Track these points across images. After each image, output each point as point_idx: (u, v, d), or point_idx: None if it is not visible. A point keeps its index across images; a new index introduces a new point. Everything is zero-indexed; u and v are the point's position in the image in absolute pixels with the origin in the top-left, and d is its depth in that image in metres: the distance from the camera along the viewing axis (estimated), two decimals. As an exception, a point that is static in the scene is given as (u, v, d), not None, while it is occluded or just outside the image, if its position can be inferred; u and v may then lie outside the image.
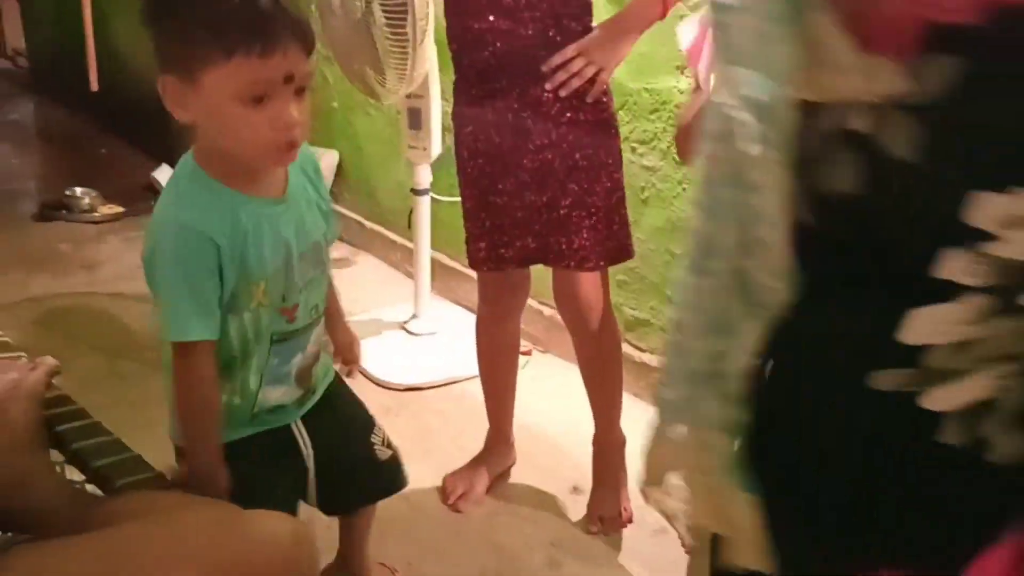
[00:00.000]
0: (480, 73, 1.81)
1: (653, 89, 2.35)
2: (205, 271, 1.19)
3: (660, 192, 2.41)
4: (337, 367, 1.54)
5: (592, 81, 1.74)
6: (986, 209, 0.67)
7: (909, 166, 0.68)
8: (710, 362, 0.76)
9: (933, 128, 0.67)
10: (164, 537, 0.90)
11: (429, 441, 2.37)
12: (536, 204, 1.83)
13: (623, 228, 1.89)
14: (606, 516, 2.03)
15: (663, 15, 1.72)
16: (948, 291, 0.70)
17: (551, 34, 1.74)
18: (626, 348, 2.59)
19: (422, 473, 2.18)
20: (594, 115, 1.79)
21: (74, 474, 1.12)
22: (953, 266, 0.70)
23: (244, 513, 1.00)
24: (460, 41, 1.83)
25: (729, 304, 0.74)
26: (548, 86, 1.74)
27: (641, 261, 2.44)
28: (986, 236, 0.68)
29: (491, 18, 1.73)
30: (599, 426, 2.07)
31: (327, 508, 1.56)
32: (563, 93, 1.74)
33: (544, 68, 1.73)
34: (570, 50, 1.71)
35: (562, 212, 1.82)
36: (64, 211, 3.80)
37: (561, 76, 1.72)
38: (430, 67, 2.47)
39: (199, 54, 1.11)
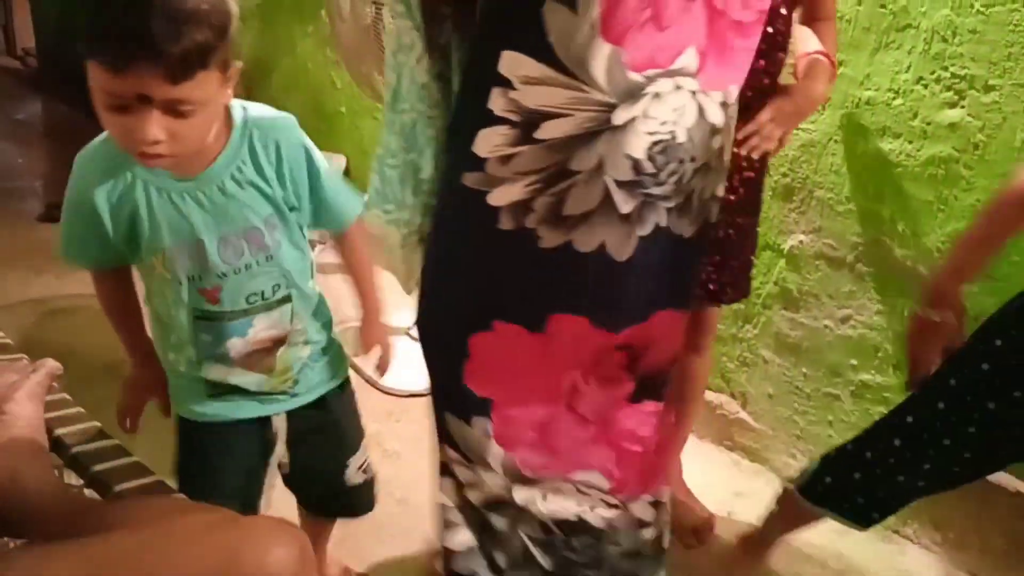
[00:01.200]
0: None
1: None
2: (87, 224, 1.24)
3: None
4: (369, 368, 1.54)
5: (781, 142, 1.74)
6: (506, 65, 1.24)
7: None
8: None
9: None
10: (159, 543, 0.89)
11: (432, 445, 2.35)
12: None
13: (750, 268, 1.93)
14: (697, 525, 2.08)
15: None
16: (493, 119, 1.27)
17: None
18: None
19: (424, 477, 2.17)
20: (758, 168, 1.81)
21: (72, 478, 1.12)
22: (495, 102, 1.26)
23: (240, 519, 0.98)
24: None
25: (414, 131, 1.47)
26: (743, 151, 1.72)
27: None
28: (510, 83, 1.25)
29: None
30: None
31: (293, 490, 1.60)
32: (755, 156, 1.74)
33: (739, 136, 1.69)
34: (764, 115, 1.70)
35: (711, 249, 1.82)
36: (69, 211, 3.79)
37: (755, 141, 1.70)
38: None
39: (82, 45, 1.08)
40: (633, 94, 1.25)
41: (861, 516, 1.59)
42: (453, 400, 1.44)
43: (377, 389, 2.60)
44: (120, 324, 1.40)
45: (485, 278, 1.37)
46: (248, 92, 4.19)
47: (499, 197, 1.30)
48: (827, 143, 2.04)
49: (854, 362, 2.09)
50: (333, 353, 1.49)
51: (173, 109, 1.09)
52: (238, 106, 1.27)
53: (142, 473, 1.07)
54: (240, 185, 1.26)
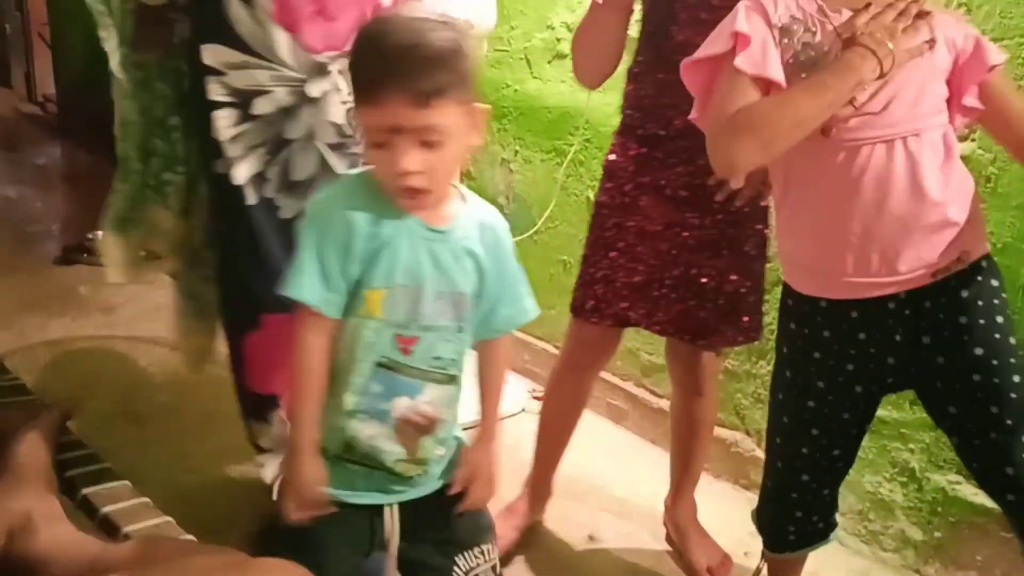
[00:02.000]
0: (647, 141, 1.81)
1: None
2: (333, 244, 1.24)
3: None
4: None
5: (762, 189, 1.73)
6: (210, 57, 1.58)
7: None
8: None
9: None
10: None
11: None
12: (663, 275, 1.83)
13: (752, 314, 1.89)
14: (713, 565, 2.05)
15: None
16: (217, 104, 1.62)
17: None
18: (642, 393, 2.57)
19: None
20: (749, 206, 1.78)
21: (82, 519, 1.12)
22: (211, 88, 1.58)
23: (251, 561, 0.98)
24: (637, 108, 1.83)
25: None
26: (719, 197, 1.73)
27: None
28: (218, 71, 1.59)
29: (674, 99, 1.66)
30: (686, 493, 2.10)
31: None
32: (738, 203, 1.74)
33: (711, 181, 1.71)
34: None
35: (692, 288, 1.83)
36: (85, 254, 3.82)
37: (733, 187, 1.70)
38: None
39: (354, 87, 1.23)
40: (320, 71, 1.64)
41: (816, 533, 1.65)
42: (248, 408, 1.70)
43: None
44: (310, 388, 1.28)
45: (251, 269, 1.61)
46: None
47: (240, 174, 1.63)
48: (838, 178, 2.03)
49: (870, 397, 2.07)
50: (455, 453, 1.42)
51: (424, 140, 1.18)
52: (462, 188, 1.34)
53: (152, 515, 1.07)
54: (469, 252, 1.31)
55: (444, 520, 1.40)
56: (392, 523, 1.36)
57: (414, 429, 1.32)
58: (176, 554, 0.99)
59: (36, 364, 2.84)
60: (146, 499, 1.10)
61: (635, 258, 1.84)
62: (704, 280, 1.82)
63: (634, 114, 1.84)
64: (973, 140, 1.80)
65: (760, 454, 2.31)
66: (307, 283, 1.24)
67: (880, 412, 2.04)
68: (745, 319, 1.88)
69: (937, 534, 1.99)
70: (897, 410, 2.02)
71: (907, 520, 2.04)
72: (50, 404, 1.16)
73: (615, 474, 2.35)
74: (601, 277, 1.87)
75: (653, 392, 2.53)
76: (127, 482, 1.13)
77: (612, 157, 1.87)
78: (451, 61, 1.19)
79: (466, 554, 1.41)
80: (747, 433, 2.36)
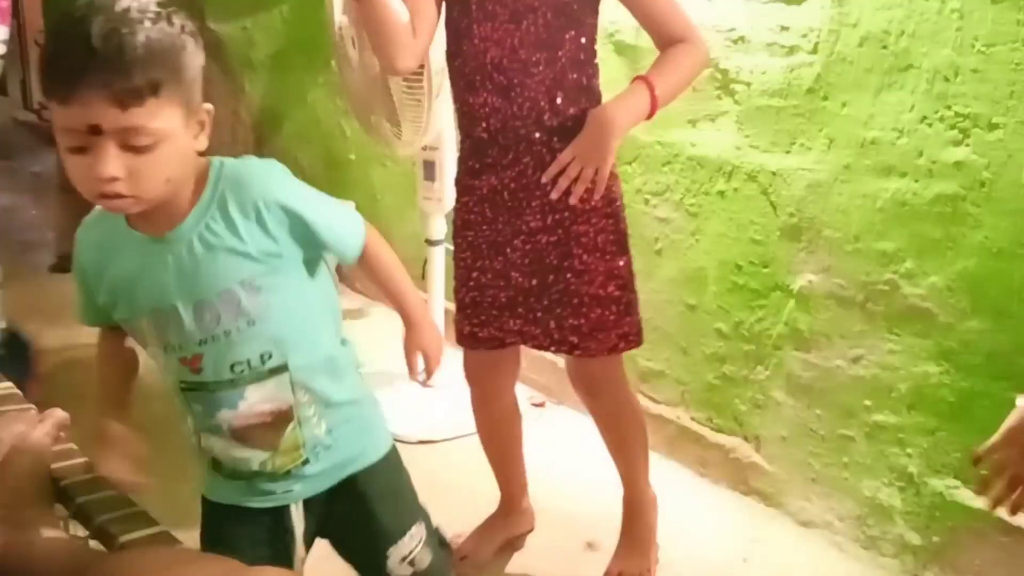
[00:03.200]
0: (476, 146, 1.79)
1: (665, 142, 2.36)
2: (80, 282, 1.27)
3: (673, 243, 2.40)
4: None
5: (594, 180, 1.68)
6: None
7: None
8: None
9: None
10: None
11: (441, 497, 2.31)
12: (524, 286, 1.80)
13: (624, 316, 1.81)
14: (626, 574, 1.99)
15: (651, 115, 1.69)
16: None
17: (546, 117, 1.70)
18: (641, 400, 2.56)
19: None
20: (596, 201, 1.73)
21: (78, 529, 1.11)
22: None
23: (249, 570, 0.97)
24: (460, 112, 1.82)
25: None
26: (553, 195, 1.70)
27: (655, 312, 2.42)
28: None
29: (484, 95, 1.71)
30: (626, 486, 2.03)
31: None
32: (572, 200, 1.70)
33: (544, 179, 1.70)
34: (565, 156, 1.66)
35: (553, 297, 1.78)
36: (81, 262, 3.81)
37: (563, 183, 1.67)
38: (445, 120, 2.49)
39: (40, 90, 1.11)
40: None
41: None
42: None
43: (387, 436, 2.59)
44: (99, 378, 1.37)
45: None
46: (259, 142, 4.25)
47: None
48: (833, 183, 2.04)
49: (868, 403, 2.07)
50: (361, 425, 1.35)
51: (128, 143, 1.06)
52: (216, 162, 1.21)
53: (148, 523, 1.06)
54: (209, 246, 1.18)
55: (365, 515, 1.36)
56: (297, 522, 1.33)
57: (262, 429, 1.26)
58: (172, 563, 0.99)
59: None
60: (142, 508, 1.09)
61: (496, 274, 1.81)
62: (563, 286, 1.77)
63: (460, 119, 1.82)
64: (967, 145, 1.80)
65: (758, 460, 2.32)
66: (79, 309, 1.31)
67: (877, 417, 2.05)
68: (624, 320, 1.81)
69: (935, 539, 1.99)
70: (894, 415, 2.02)
71: (906, 525, 2.04)
72: (45, 413, 1.15)
73: (613, 481, 2.35)
74: (470, 301, 1.85)
75: (651, 398, 2.53)
76: (122, 492, 1.13)
77: (456, 173, 1.87)
78: (164, 56, 1.06)
79: (398, 544, 1.38)
80: (745, 439, 2.36)
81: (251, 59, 4.03)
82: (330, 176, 3.71)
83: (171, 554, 1.01)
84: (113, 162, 1.05)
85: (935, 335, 1.93)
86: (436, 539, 1.44)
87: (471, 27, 1.70)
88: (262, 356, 1.23)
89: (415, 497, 1.44)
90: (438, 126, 2.49)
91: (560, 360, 2.63)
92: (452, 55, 1.78)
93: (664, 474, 2.14)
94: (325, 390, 1.29)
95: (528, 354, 2.76)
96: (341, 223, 1.31)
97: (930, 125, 1.85)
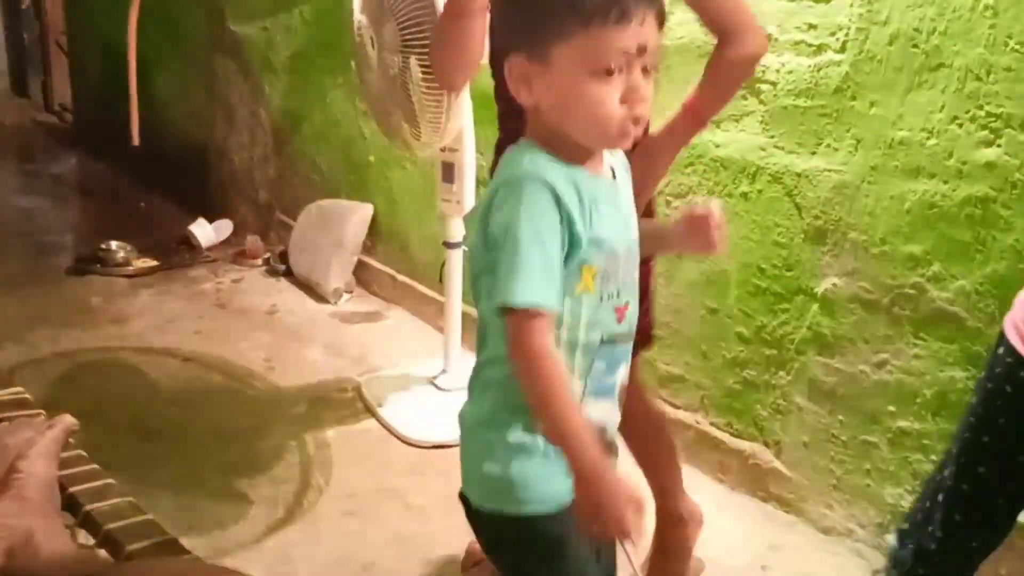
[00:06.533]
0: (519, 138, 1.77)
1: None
2: (554, 230, 1.07)
3: (695, 246, 2.37)
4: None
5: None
6: None
7: None
8: None
9: None
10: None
11: (456, 501, 2.31)
12: None
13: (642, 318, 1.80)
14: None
15: (703, 125, 1.65)
16: None
17: None
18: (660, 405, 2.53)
19: (448, 533, 2.12)
20: None
21: (86, 537, 1.09)
22: None
23: (257, 581, 0.95)
24: (505, 102, 1.80)
25: None
26: None
27: (675, 315, 2.38)
28: None
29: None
30: (657, 496, 1.92)
31: None
32: None
33: None
34: None
35: None
36: (98, 265, 3.82)
37: None
38: (465, 122, 2.47)
39: (553, 27, 1.06)
40: None
41: None
42: None
43: (400, 441, 2.56)
44: (560, 386, 1.07)
45: None
46: (279, 143, 4.24)
47: None
48: (860, 184, 2.00)
49: (892, 408, 2.03)
50: None
51: (647, 65, 1.08)
52: None
53: (156, 532, 1.04)
54: (624, 190, 1.20)
55: None
56: None
57: (623, 390, 1.23)
58: (182, 572, 0.97)
59: (47, 377, 2.84)
60: (150, 516, 1.07)
61: None
62: None
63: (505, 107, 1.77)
64: (999, 146, 1.76)
65: (779, 466, 2.27)
66: (541, 287, 1.05)
67: (901, 423, 2.01)
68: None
69: (963, 549, 1.94)
70: (919, 421, 1.98)
71: (932, 535, 1.99)
72: (54, 419, 1.14)
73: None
74: None
75: (671, 403, 2.49)
76: (131, 498, 1.11)
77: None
78: None
79: None
80: (765, 444, 2.32)
81: (271, 60, 4.02)
82: (349, 178, 3.70)
83: (179, 563, 1.00)
84: (645, 81, 1.08)
85: (961, 340, 1.88)
86: None
87: None
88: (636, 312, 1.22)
89: None
90: (457, 127, 2.47)
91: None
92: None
93: (686, 478, 2.10)
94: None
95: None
96: None
97: (961, 125, 1.81)
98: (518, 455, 1.14)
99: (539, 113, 1.13)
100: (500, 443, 1.15)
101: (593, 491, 1.04)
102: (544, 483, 1.14)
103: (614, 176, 1.19)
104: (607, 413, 1.20)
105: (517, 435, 1.14)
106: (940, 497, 1.44)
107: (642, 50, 1.06)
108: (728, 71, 1.61)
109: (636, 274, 1.20)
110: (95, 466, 1.15)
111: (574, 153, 1.12)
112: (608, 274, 1.13)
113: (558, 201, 1.07)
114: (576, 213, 1.08)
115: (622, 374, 1.21)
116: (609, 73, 1.06)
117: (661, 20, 1.09)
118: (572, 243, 1.08)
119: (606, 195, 1.14)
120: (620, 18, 1.04)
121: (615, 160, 1.21)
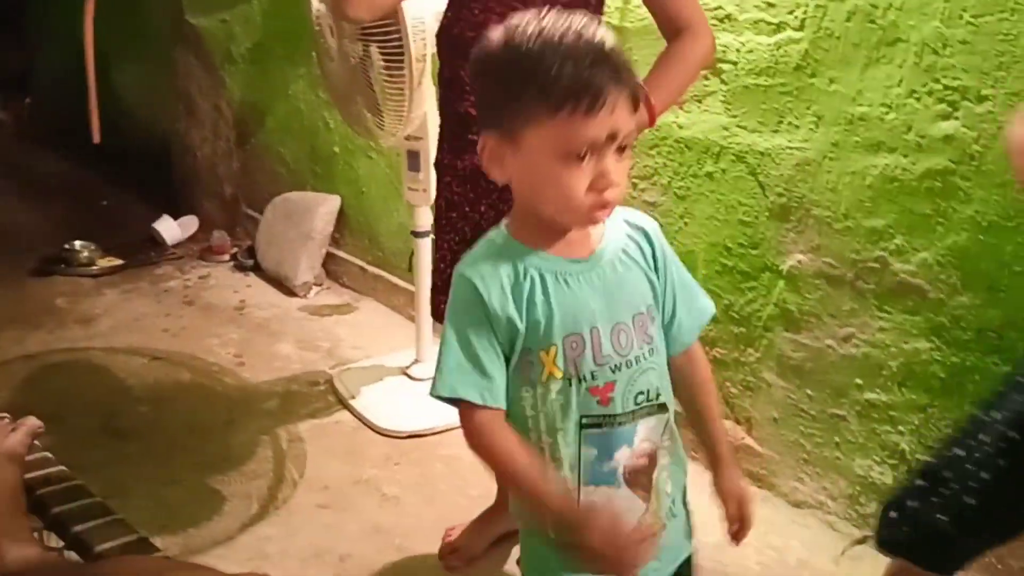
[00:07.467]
0: (460, 122, 1.75)
1: (651, 124, 2.33)
2: (479, 323, 1.11)
3: (662, 227, 2.36)
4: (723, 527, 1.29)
5: None
6: None
7: None
8: None
9: None
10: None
11: (433, 488, 2.31)
12: None
13: None
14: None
15: (651, 124, 1.63)
16: None
17: None
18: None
19: (425, 522, 2.13)
20: None
21: (54, 539, 1.08)
22: None
23: (231, 577, 0.95)
24: (446, 85, 1.78)
25: None
26: None
27: (645, 298, 2.39)
28: None
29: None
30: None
31: None
32: None
33: None
34: None
35: None
36: (62, 265, 3.77)
37: None
38: (428, 109, 2.45)
39: (524, 111, 1.06)
40: None
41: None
42: None
43: (374, 431, 2.56)
44: (518, 471, 1.11)
45: None
46: (241, 136, 4.20)
47: None
48: (822, 161, 2.01)
49: (859, 381, 2.05)
50: (686, 504, 1.28)
51: (623, 147, 1.07)
52: None
53: (125, 532, 1.03)
54: (628, 266, 1.17)
55: None
56: None
57: (643, 472, 1.19)
58: (150, 572, 0.96)
59: (13, 379, 2.80)
60: (120, 516, 1.06)
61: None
62: None
63: (445, 92, 1.79)
64: (956, 119, 1.78)
65: (750, 442, 2.30)
66: (457, 379, 1.10)
67: (869, 396, 2.04)
68: None
69: (932, 518, 1.97)
70: (886, 393, 2.00)
71: (901, 505, 2.02)
72: (17, 422, 1.12)
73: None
74: (445, 282, 1.82)
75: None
76: (99, 499, 1.10)
77: (436, 153, 1.88)
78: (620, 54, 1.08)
79: None
80: (736, 421, 2.34)
81: (231, 52, 3.97)
82: (315, 169, 3.67)
83: (149, 563, 0.99)
84: (617, 165, 1.07)
85: (925, 311, 1.90)
86: None
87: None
88: (656, 389, 1.18)
89: None
90: (421, 115, 2.46)
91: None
92: (450, 23, 1.74)
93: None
94: (677, 441, 1.24)
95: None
96: (702, 295, 1.26)
97: (919, 99, 1.83)
98: (528, 536, 1.23)
99: (512, 190, 1.14)
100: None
101: (582, 536, 1.05)
102: (546, 560, 1.18)
103: (595, 251, 1.16)
104: (615, 502, 1.15)
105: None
106: (986, 438, 1.31)
107: (612, 137, 1.06)
108: (678, 71, 1.64)
109: (632, 352, 1.15)
110: (63, 468, 1.14)
111: (547, 231, 1.13)
112: (572, 357, 1.12)
113: (479, 295, 1.10)
114: (502, 304, 1.10)
115: (626, 456, 1.16)
116: (580, 158, 1.05)
117: (635, 101, 1.07)
118: (511, 331, 1.11)
119: (560, 277, 1.13)
120: (589, 108, 1.03)
121: (636, 232, 1.20)
